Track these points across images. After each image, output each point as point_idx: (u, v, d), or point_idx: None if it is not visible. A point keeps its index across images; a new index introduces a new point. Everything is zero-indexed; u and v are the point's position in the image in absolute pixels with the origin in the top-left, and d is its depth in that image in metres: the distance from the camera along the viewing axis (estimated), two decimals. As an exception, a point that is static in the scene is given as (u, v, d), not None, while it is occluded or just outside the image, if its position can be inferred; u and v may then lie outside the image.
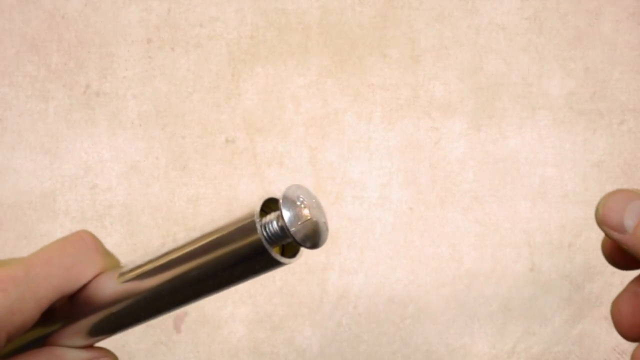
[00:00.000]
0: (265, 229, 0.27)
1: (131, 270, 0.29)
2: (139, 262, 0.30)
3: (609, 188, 0.56)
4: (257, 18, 0.57)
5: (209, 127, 0.56)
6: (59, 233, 0.55)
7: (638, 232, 0.26)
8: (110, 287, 0.29)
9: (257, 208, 0.27)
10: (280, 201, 0.27)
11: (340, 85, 0.56)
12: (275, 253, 0.27)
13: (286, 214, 0.26)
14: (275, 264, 0.27)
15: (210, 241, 0.28)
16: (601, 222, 0.27)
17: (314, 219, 0.27)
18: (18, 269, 0.27)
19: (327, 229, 0.28)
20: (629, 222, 0.26)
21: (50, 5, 0.57)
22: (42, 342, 0.30)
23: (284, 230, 0.26)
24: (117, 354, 0.31)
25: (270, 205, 0.28)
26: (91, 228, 0.55)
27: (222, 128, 0.56)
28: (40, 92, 0.56)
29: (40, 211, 0.55)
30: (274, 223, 0.27)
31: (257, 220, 0.27)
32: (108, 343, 0.31)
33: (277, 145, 0.56)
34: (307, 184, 0.55)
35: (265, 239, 0.27)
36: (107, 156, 0.56)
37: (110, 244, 0.55)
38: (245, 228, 0.27)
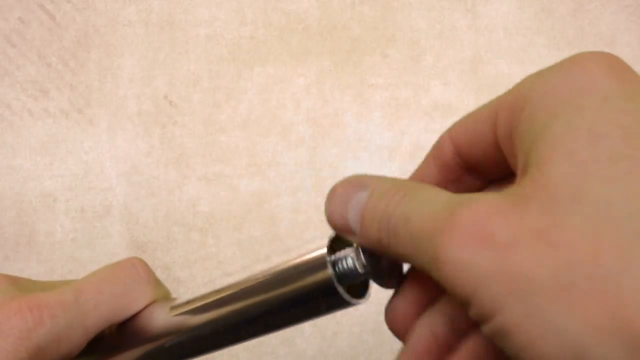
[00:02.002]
0: (336, 266, 0.25)
1: (185, 304, 0.28)
2: (192, 295, 0.28)
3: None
4: (257, 18, 0.57)
5: (209, 127, 0.56)
6: (59, 233, 0.55)
7: (365, 233, 0.22)
8: (161, 319, 0.28)
9: (326, 243, 0.25)
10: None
11: (340, 85, 0.56)
12: (345, 293, 0.25)
13: (363, 251, 0.25)
14: (344, 304, 0.25)
15: (273, 278, 0.26)
16: (329, 224, 0.24)
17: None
18: (68, 294, 0.26)
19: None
20: (354, 223, 0.23)
21: (50, 5, 0.57)
22: None
23: (358, 267, 0.25)
24: None
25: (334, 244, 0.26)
26: (91, 228, 0.55)
27: (222, 128, 0.56)
28: (40, 92, 0.56)
29: (40, 211, 0.55)
30: (348, 260, 0.25)
31: (327, 257, 0.25)
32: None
33: (277, 145, 0.56)
34: (307, 184, 0.55)
35: (336, 277, 0.25)
36: (107, 156, 0.56)
37: (110, 244, 0.55)
38: (314, 265, 0.25)
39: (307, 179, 0.55)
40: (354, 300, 0.25)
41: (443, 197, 0.20)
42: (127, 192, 0.55)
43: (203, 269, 0.55)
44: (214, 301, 0.28)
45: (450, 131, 0.24)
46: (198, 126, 0.56)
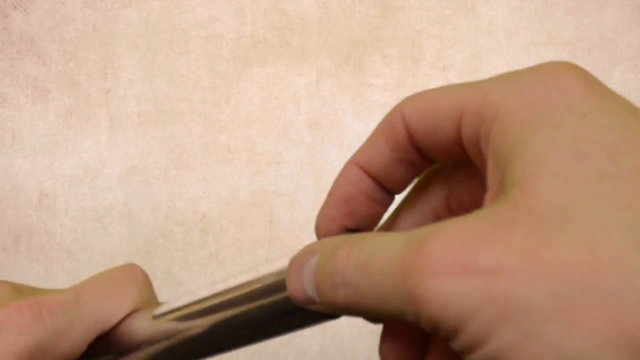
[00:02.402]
0: None
1: (169, 312, 0.28)
2: (177, 303, 0.28)
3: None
4: (257, 18, 0.57)
5: (209, 127, 0.56)
6: (59, 233, 0.55)
7: (324, 298, 0.21)
8: (142, 327, 0.28)
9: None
10: None
11: (340, 85, 0.56)
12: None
13: None
14: (318, 319, 0.25)
15: (251, 291, 0.25)
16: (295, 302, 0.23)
17: None
18: (68, 295, 0.27)
19: None
20: (311, 292, 0.22)
21: (50, 5, 0.57)
22: None
23: None
24: None
25: None
26: (91, 228, 0.55)
27: (222, 128, 0.56)
28: (40, 92, 0.56)
29: (40, 211, 0.55)
30: None
31: None
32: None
33: (277, 145, 0.56)
34: (307, 184, 0.55)
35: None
36: (107, 156, 0.56)
37: (110, 244, 0.55)
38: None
39: (307, 179, 0.55)
40: (326, 316, 0.24)
41: (399, 237, 0.19)
42: (127, 192, 0.55)
43: (203, 269, 0.55)
44: (191, 313, 0.27)
45: (403, 112, 0.23)
46: (198, 126, 0.56)
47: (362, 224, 0.25)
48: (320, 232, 0.25)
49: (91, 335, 0.27)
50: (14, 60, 0.57)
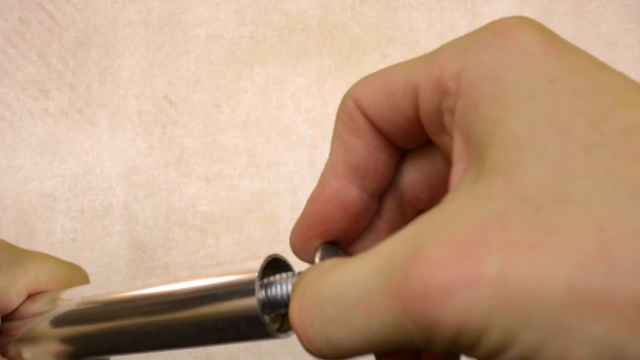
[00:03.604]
0: (268, 291, 0.22)
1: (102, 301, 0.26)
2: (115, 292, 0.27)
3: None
4: (257, 18, 0.57)
5: (209, 127, 0.56)
6: (59, 233, 0.55)
7: (311, 344, 0.19)
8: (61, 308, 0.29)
9: (260, 265, 0.22)
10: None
11: (340, 85, 0.56)
12: (269, 325, 0.22)
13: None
14: (271, 336, 0.22)
15: (195, 293, 0.23)
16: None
17: None
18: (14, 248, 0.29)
19: None
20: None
21: (50, 5, 0.57)
22: None
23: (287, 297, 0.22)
24: None
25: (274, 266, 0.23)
26: (91, 228, 0.55)
27: (222, 128, 0.56)
28: (40, 92, 0.56)
29: (40, 211, 0.55)
30: (277, 288, 0.22)
31: (258, 280, 0.22)
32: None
33: (277, 145, 0.56)
34: (307, 184, 0.55)
35: (265, 304, 0.22)
36: (107, 156, 0.56)
37: (110, 244, 0.55)
38: (241, 289, 0.22)
39: (307, 179, 0.55)
40: (279, 334, 0.22)
41: (366, 268, 0.17)
42: (127, 192, 0.55)
43: (203, 269, 0.55)
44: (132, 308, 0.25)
45: (355, 98, 0.22)
46: (198, 126, 0.56)
47: (342, 237, 0.23)
48: (296, 251, 0.23)
49: (22, 295, 0.30)
50: (14, 60, 0.57)
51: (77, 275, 0.32)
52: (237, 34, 0.57)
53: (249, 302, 0.22)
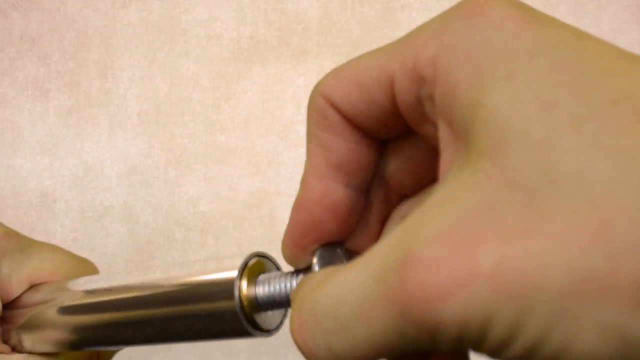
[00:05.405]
0: (255, 289, 0.22)
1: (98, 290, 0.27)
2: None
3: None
4: (257, 18, 0.57)
5: (209, 127, 0.56)
6: (59, 233, 0.55)
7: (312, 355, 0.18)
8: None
9: (240, 263, 0.22)
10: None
11: (340, 85, 0.56)
12: (248, 325, 0.22)
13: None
14: (252, 334, 0.22)
15: (181, 289, 0.24)
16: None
17: None
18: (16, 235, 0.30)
19: None
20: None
21: (50, 5, 0.57)
22: None
23: (276, 298, 0.22)
24: None
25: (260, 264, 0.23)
26: (91, 228, 0.55)
27: (222, 128, 0.56)
28: (40, 92, 0.56)
29: (40, 211, 0.55)
30: (259, 288, 0.22)
31: (237, 280, 0.22)
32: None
33: (277, 145, 0.56)
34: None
35: (248, 303, 0.22)
36: (107, 156, 0.56)
37: (110, 244, 0.55)
38: (222, 288, 0.22)
39: (307, 179, 0.55)
40: (258, 333, 0.22)
41: (360, 276, 0.17)
42: (127, 192, 0.55)
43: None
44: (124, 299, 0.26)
45: (324, 94, 0.21)
46: (198, 126, 0.56)
47: (335, 238, 0.22)
48: (290, 262, 0.23)
49: (23, 284, 0.30)
50: (14, 60, 0.57)
51: (86, 269, 0.32)
52: (237, 34, 0.57)
53: (229, 303, 0.22)
